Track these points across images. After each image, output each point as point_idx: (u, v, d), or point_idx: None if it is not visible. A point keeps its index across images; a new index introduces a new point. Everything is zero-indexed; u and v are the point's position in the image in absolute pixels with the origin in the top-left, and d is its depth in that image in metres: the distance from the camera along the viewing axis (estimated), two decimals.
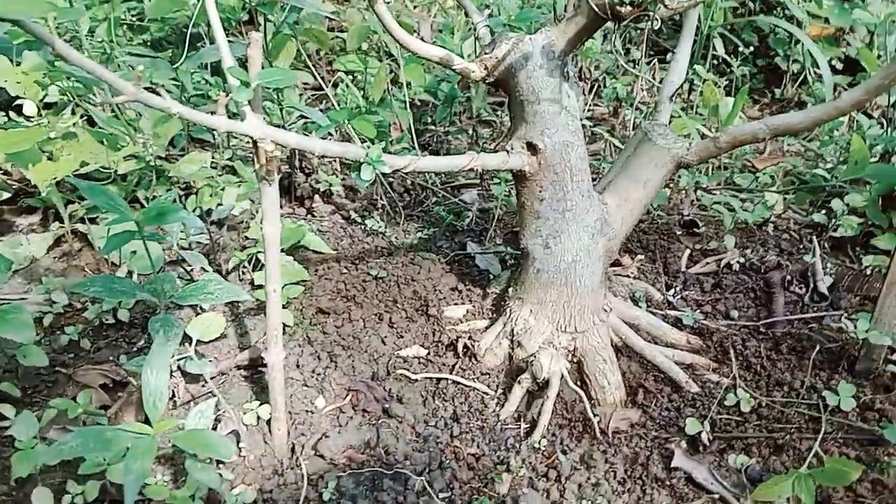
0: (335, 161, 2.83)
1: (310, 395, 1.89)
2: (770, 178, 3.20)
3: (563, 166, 1.91)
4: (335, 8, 4.67)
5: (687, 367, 2.07)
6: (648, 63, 3.77)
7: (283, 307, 2.03)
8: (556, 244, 1.97)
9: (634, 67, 4.26)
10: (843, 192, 2.98)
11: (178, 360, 1.60)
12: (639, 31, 4.25)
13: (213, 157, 2.48)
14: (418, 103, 3.81)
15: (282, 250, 2.22)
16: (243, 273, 2.21)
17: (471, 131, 3.57)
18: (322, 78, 3.77)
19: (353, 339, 2.08)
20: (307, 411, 1.85)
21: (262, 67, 1.48)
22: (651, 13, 1.66)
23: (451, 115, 3.66)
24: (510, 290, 2.16)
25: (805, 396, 1.90)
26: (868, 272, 2.45)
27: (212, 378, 1.80)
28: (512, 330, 2.07)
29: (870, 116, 4.04)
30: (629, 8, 1.66)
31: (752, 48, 4.39)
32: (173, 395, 1.76)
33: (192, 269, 2.07)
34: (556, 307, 2.03)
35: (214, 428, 1.69)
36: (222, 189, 2.40)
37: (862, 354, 1.94)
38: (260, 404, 1.74)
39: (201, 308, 1.95)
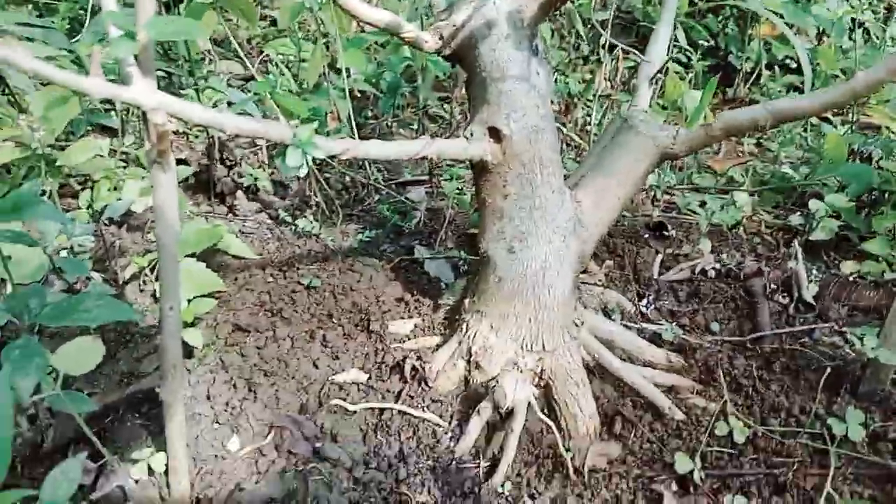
0: (261, 151, 2.47)
1: (222, 434, 1.54)
2: (738, 177, 2.99)
3: (532, 156, 1.62)
4: None
5: (668, 389, 1.80)
6: (610, 54, 3.52)
7: (192, 325, 1.67)
8: (521, 248, 1.68)
9: (585, 64, 4.04)
10: (813, 193, 2.79)
11: (41, 398, 1.23)
12: (589, 27, 4.03)
13: (112, 144, 2.09)
14: (358, 95, 3.47)
15: (194, 255, 1.85)
16: (145, 283, 1.83)
17: (416, 126, 3.25)
18: (251, 66, 3.40)
19: (277, 362, 1.73)
20: (218, 456, 1.49)
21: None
22: None
23: (395, 107, 3.34)
24: (466, 301, 1.85)
25: (807, 424, 1.65)
26: (853, 280, 2.24)
27: (91, 419, 1.42)
28: (469, 349, 1.75)
29: (828, 121, 3.90)
30: None
31: (709, 43, 4.24)
32: (41, 443, 1.38)
33: (76, 281, 1.69)
34: (520, 322, 1.73)
35: (94, 484, 1.33)
36: (123, 181, 2.02)
37: (867, 375, 1.71)
38: (154, 452, 1.38)
39: (91, 328, 1.57)
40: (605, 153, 1.76)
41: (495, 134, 1.61)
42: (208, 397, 1.62)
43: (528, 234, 1.67)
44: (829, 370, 1.75)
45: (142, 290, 1.83)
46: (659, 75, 3.45)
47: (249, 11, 2.42)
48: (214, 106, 2.71)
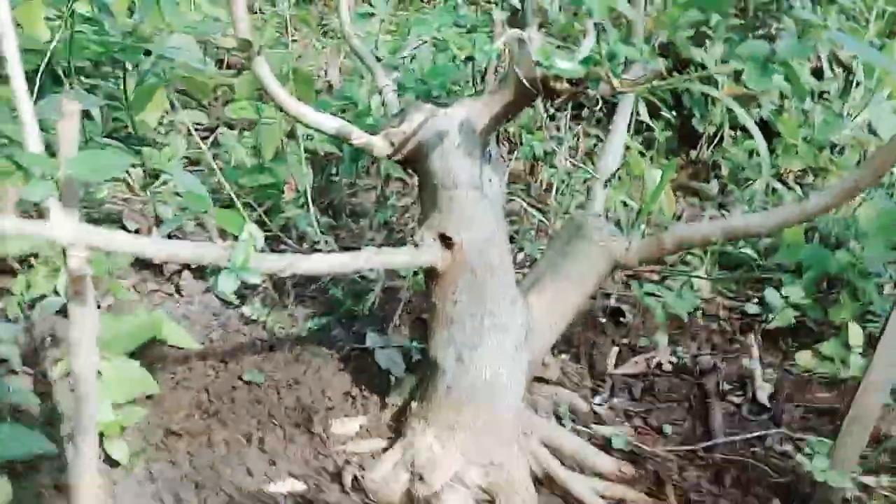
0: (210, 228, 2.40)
1: None
2: (698, 258, 2.98)
3: (483, 265, 1.58)
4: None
5: (618, 502, 1.75)
6: (573, 121, 3.53)
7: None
8: (471, 357, 1.63)
9: (552, 121, 4.04)
10: (771, 276, 2.79)
11: None
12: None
13: None
14: (321, 153, 3.43)
15: (130, 353, 1.77)
16: None
17: (377, 189, 3.21)
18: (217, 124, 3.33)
19: (209, 471, 1.65)
20: None
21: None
22: (592, 92, 1.37)
23: (358, 169, 3.30)
24: (413, 405, 1.79)
25: None
26: (807, 377, 2.22)
27: None
28: (413, 459, 1.69)
29: (789, 188, 3.94)
30: (566, 85, 1.37)
31: (672, 111, 4.26)
32: None
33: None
34: (468, 433, 1.68)
35: None
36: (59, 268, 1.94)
37: (817, 494, 1.67)
38: None
39: None
40: (559, 260, 1.72)
41: (446, 240, 1.57)
42: None
43: (479, 342, 1.62)
44: (778, 487, 1.72)
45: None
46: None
47: (203, 88, 2.37)
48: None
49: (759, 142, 3.32)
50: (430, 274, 1.62)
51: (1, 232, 1.00)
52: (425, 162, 1.54)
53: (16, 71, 1.04)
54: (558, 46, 1.38)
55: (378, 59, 2.16)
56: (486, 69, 2.81)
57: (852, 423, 1.60)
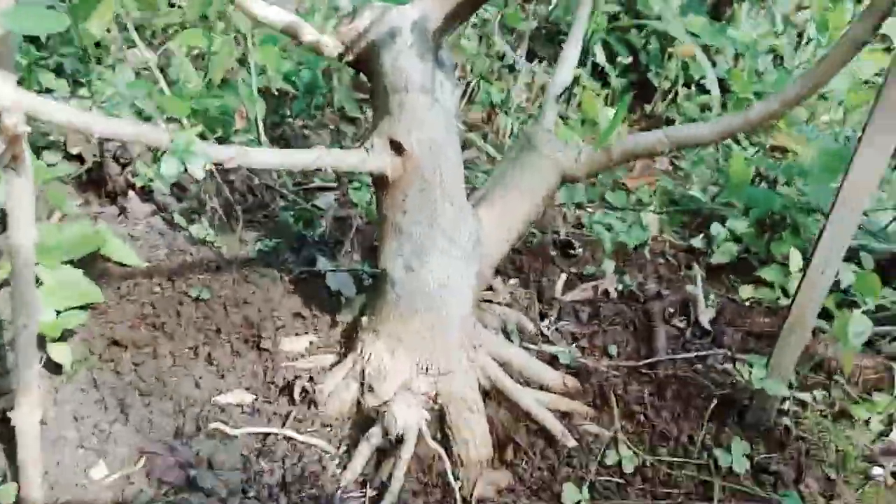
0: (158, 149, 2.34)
1: (87, 460, 1.43)
2: (648, 196, 3.03)
3: (434, 172, 1.57)
4: None
5: (563, 414, 1.79)
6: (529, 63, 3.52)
7: (60, 339, 1.55)
8: (420, 266, 1.63)
9: (510, 73, 4.03)
10: (718, 215, 2.85)
11: None
12: (514, 36, 4.03)
13: None
14: (275, 92, 3.36)
15: (71, 262, 1.73)
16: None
17: (332, 127, 3.17)
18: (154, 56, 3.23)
19: (155, 381, 1.63)
20: (80, 484, 1.38)
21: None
22: None
23: (311, 107, 3.25)
24: (363, 319, 1.79)
25: (693, 453, 1.67)
26: (748, 304, 2.30)
27: None
28: (363, 370, 1.70)
29: (738, 142, 4.02)
30: None
31: (628, 60, 4.29)
32: None
33: None
34: (417, 343, 1.69)
35: None
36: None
37: (754, 404, 1.74)
38: (6, 479, 1.27)
39: None
40: (508, 172, 1.73)
41: (397, 147, 1.56)
42: (75, 418, 1.51)
43: (427, 251, 1.63)
44: (717, 398, 1.78)
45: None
46: (576, 91, 3.48)
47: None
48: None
49: (713, 88, 3.38)
50: (381, 183, 1.61)
51: None
52: (377, 62, 1.52)
53: None
54: None
55: None
56: None
57: (788, 334, 1.65)
